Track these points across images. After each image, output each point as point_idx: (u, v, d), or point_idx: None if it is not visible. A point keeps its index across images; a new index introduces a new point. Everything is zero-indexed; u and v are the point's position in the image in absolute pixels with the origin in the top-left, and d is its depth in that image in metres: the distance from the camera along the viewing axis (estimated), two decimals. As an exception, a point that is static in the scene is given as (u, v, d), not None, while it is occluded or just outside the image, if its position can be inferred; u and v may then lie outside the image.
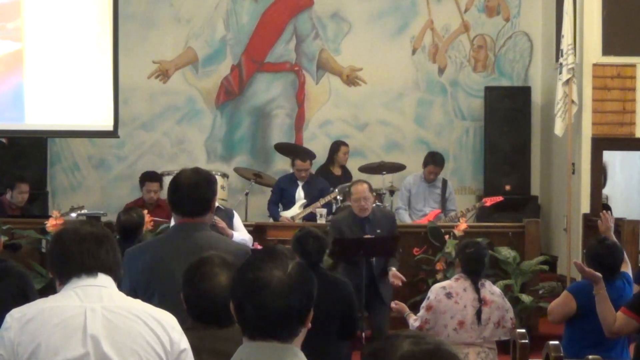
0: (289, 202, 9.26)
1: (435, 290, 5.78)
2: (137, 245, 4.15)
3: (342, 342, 5.49)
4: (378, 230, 7.24)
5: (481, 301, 5.72)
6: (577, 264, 5.27)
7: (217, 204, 6.70)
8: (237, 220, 7.21)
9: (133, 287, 3.72)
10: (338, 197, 9.12)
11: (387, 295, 7.16)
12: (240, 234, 7.02)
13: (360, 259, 7.04)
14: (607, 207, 10.23)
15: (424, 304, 5.81)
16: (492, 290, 5.83)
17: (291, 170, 9.65)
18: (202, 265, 3.26)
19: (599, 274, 5.16)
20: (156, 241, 4.11)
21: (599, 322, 5.24)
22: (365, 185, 7.31)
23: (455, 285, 5.77)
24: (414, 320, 5.80)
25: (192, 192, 3.83)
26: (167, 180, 9.49)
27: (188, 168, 3.98)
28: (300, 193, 9.23)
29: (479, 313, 5.70)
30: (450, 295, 5.72)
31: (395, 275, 7.05)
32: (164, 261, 3.77)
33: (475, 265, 5.76)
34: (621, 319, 5.11)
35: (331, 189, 9.26)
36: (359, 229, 7.20)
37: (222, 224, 6.79)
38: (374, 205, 7.83)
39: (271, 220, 9.23)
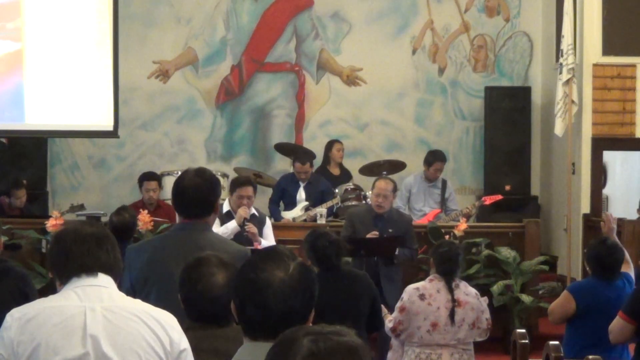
0: (291, 203, 9.24)
1: (409, 292, 5.74)
2: (138, 243, 4.18)
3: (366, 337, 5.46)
4: (390, 230, 7.32)
5: (455, 302, 5.68)
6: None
7: (253, 210, 6.85)
8: (268, 228, 7.16)
9: (132, 284, 3.73)
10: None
11: (391, 297, 7.08)
12: (268, 242, 6.98)
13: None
14: None
15: (397, 304, 5.79)
16: (466, 291, 5.77)
17: (291, 170, 9.64)
18: (199, 265, 3.25)
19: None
20: (157, 239, 4.11)
21: (599, 322, 5.25)
22: (390, 185, 7.45)
23: (429, 287, 5.73)
24: (388, 322, 5.78)
25: (195, 195, 3.83)
26: (167, 180, 9.50)
27: (192, 169, 3.96)
28: (301, 194, 9.21)
29: (452, 314, 5.66)
30: (423, 297, 5.68)
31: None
32: (162, 259, 3.77)
33: (449, 265, 5.72)
34: (618, 324, 5.10)
35: (336, 191, 9.21)
36: (371, 226, 7.29)
37: (253, 229, 6.86)
38: (395, 207, 8.01)
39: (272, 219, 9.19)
